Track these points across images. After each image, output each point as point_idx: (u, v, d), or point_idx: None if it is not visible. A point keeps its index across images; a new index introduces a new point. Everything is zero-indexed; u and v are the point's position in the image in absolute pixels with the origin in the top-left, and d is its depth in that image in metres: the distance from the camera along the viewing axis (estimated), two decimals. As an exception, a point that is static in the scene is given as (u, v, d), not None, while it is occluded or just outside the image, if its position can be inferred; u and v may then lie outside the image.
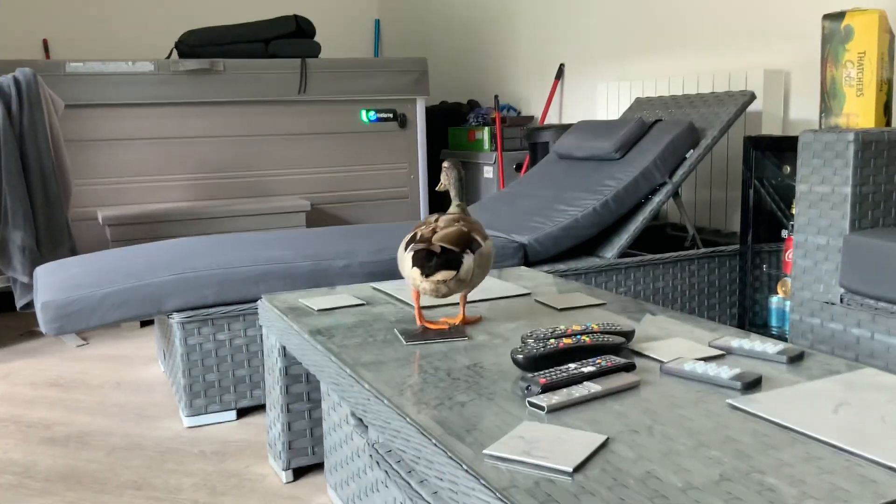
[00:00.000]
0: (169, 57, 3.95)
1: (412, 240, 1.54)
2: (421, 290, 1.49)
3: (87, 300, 2.10)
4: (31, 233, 2.97)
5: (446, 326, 1.56)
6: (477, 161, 4.18)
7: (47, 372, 2.74)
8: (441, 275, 1.47)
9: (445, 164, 1.66)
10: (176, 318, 2.13)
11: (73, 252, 3.15)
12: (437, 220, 1.57)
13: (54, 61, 3.54)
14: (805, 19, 2.81)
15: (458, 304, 1.74)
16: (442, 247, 1.48)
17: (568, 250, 2.63)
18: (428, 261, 1.47)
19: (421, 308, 1.71)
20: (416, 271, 1.48)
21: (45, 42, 5.05)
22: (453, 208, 1.62)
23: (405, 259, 1.52)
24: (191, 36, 3.87)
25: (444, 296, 1.49)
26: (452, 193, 1.65)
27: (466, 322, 1.59)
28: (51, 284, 2.19)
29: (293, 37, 4.02)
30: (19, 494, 1.83)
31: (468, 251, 1.51)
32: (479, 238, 1.54)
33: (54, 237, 3.07)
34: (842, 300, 1.95)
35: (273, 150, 3.95)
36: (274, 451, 1.91)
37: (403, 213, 4.23)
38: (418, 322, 1.58)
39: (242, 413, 2.26)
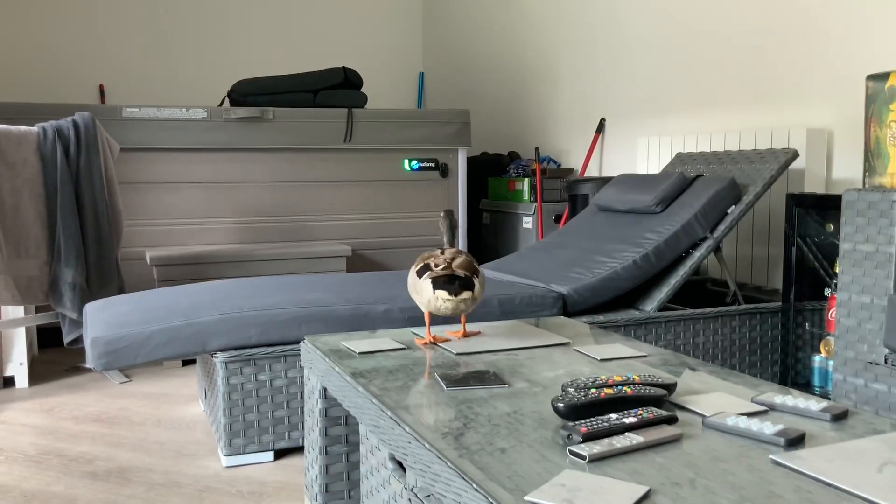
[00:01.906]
0: (221, 104, 4.08)
1: (425, 268, 1.82)
2: (443, 309, 1.78)
3: (134, 337, 2.15)
4: (82, 271, 3.06)
5: (450, 339, 1.86)
6: (516, 211, 4.22)
7: (90, 407, 2.79)
8: (464, 294, 1.77)
9: (441, 214, 1.98)
10: (220, 358, 2.17)
11: (121, 290, 3.23)
12: (443, 254, 1.86)
13: (111, 106, 3.68)
14: (848, 78, 2.82)
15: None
16: (463, 273, 1.80)
17: (607, 302, 2.64)
18: (451, 283, 1.77)
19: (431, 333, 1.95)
20: (443, 293, 1.77)
21: (101, 87, 5.25)
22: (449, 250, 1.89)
23: (425, 284, 1.80)
24: (242, 85, 4.00)
25: (462, 313, 1.80)
26: (445, 238, 1.97)
27: (467, 335, 1.90)
28: (100, 321, 2.25)
29: (341, 87, 4.14)
30: (61, 527, 1.86)
31: (476, 276, 1.82)
32: (472, 262, 1.86)
33: (104, 275, 3.15)
34: (886, 360, 1.92)
35: (317, 196, 4.03)
36: (311, 494, 1.92)
37: (442, 261, 4.26)
38: (427, 337, 1.85)
39: (280, 454, 2.28)
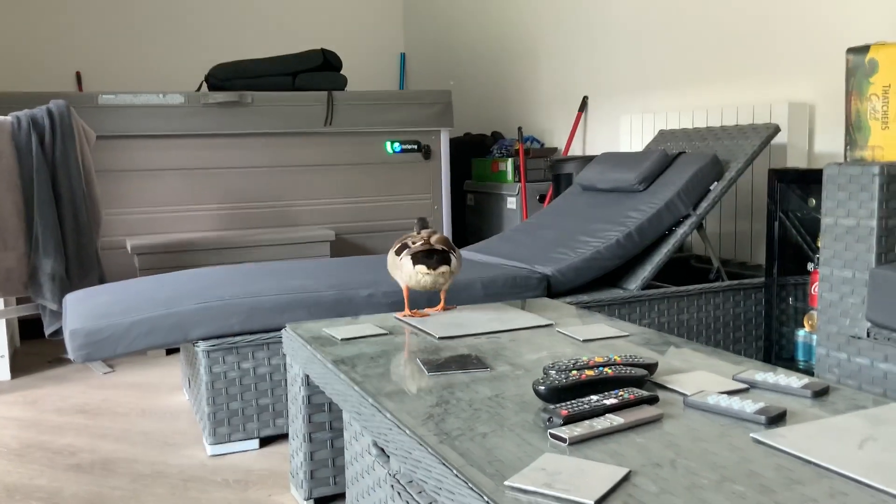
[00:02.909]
0: (199, 89, 4.03)
1: (404, 247, 1.93)
2: (423, 283, 1.90)
3: (115, 328, 2.13)
4: (61, 261, 3.02)
5: (429, 314, 1.95)
6: (500, 192, 4.20)
7: (74, 399, 2.77)
8: (442, 268, 1.90)
9: (416, 221, 2.08)
10: (202, 347, 2.15)
11: (102, 280, 3.19)
12: (419, 234, 1.98)
13: (87, 94, 3.62)
14: (829, 52, 2.81)
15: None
16: (441, 247, 1.92)
17: (591, 282, 2.63)
18: (430, 258, 1.89)
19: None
20: (422, 267, 1.88)
21: (77, 74, 5.18)
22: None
23: (405, 261, 1.90)
24: (220, 69, 3.95)
25: (440, 287, 1.92)
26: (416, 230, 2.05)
27: (446, 309, 1.99)
28: (80, 312, 2.23)
29: (320, 70, 4.09)
30: (44, 520, 1.85)
31: (453, 251, 1.95)
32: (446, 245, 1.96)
33: (84, 265, 3.12)
34: (868, 334, 1.93)
35: (299, 181, 4.00)
36: (296, 481, 1.91)
37: (427, 243, 4.25)
38: (406, 311, 1.94)
39: (265, 442, 2.27)
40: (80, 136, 3.15)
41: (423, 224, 2.05)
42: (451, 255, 1.93)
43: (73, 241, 3.09)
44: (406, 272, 1.90)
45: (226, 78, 3.93)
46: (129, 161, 3.70)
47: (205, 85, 4.09)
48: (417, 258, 1.89)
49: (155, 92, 3.72)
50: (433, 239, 1.93)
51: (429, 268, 1.88)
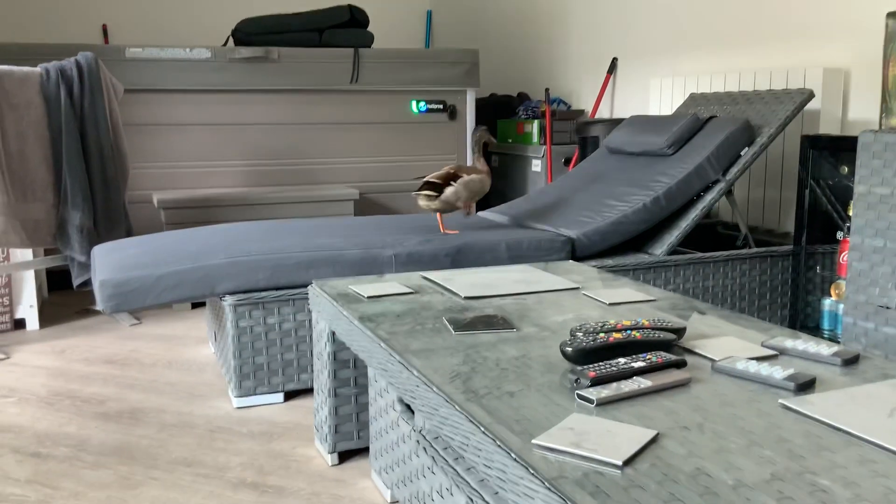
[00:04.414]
0: (225, 44, 4.01)
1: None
2: (419, 204, 2.51)
3: (143, 280, 2.15)
4: (89, 213, 3.05)
5: (457, 231, 2.56)
6: (525, 154, 4.17)
7: (101, 349, 2.82)
8: (425, 191, 2.48)
9: (474, 127, 2.74)
10: (228, 301, 2.17)
11: (129, 233, 3.22)
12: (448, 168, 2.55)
13: (114, 46, 3.62)
14: (868, 16, 2.74)
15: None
16: (429, 181, 2.49)
17: (616, 246, 2.62)
18: (420, 188, 2.49)
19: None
20: (417, 193, 2.51)
21: (104, 27, 5.17)
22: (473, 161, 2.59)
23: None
24: (247, 24, 3.93)
25: (433, 210, 2.52)
26: (474, 150, 2.59)
27: (446, 233, 2.53)
28: (108, 264, 2.25)
29: (347, 26, 4.06)
30: (74, 467, 1.89)
31: (451, 183, 2.48)
32: (464, 174, 2.51)
33: (111, 218, 3.15)
34: (898, 304, 1.91)
35: (324, 139, 3.99)
36: (320, 434, 1.94)
37: (451, 204, 4.24)
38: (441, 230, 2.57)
39: (290, 396, 2.30)
40: (108, 88, 3.15)
41: (478, 133, 2.59)
42: (445, 187, 2.46)
43: (101, 193, 3.12)
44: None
45: (252, 33, 3.90)
46: (156, 115, 3.70)
47: (231, 40, 4.07)
48: (419, 187, 2.50)
49: (182, 46, 3.71)
50: (438, 173, 2.50)
51: (414, 192, 2.52)
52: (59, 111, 3.00)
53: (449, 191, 2.47)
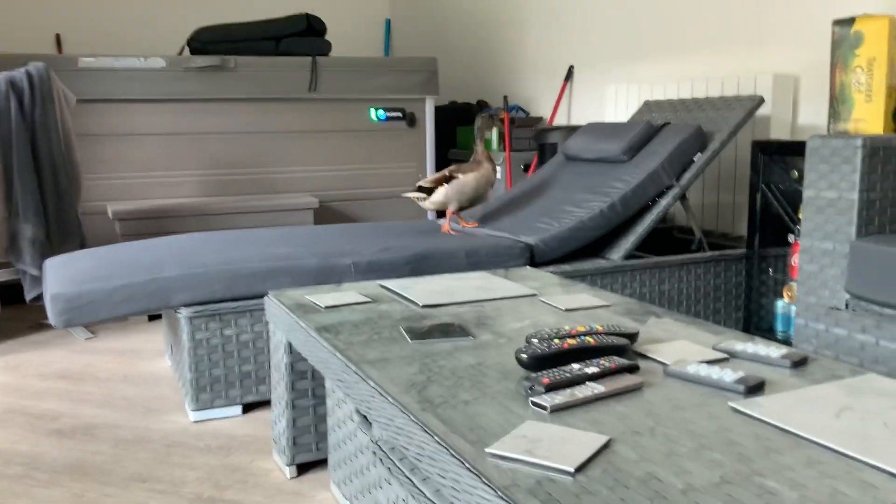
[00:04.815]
0: (181, 53, 3.97)
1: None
2: (423, 206, 2.72)
3: (96, 293, 2.11)
4: (42, 226, 2.99)
5: (475, 224, 2.80)
6: (485, 161, 4.18)
7: (56, 364, 2.76)
8: (414, 193, 2.67)
9: (478, 120, 2.81)
10: (184, 313, 2.14)
11: (83, 245, 3.17)
12: (449, 167, 2.71)
13: (66, 56, 3.56)
14: (815, 24, 2.81)
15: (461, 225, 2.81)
16: (421, 186, 2.67)
17: (574, 251, 2.64)
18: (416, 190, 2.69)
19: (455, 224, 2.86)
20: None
21: (57, 37, 5.09)
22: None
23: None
24: (203, 33, 3.89)
25: (432, 208, 2.68)
26: (475, 141, 2.76)
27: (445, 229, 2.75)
28: (60, 277, 2.21)
29: (304, 35, 4.04)
30: (25, 485, 1.85)
31: (443, 184, 2.64)
32: (460, 175, 2.65)
33: (64, 230, 3.09)
34: (847, 306, 1.95)
35: (282, 148, 3.96)
36: (278, 447, 1.92)
37: (411, 211, 4.25)
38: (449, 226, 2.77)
39: (248, 408, 2.28)
40: (60, 99, 3.10)
41: (482, 119, 2.80)
42: (437, 188, 2.64)
43: (54, 205, 3.06)
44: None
45: (208, 41, 3.87)
46: (110, 125, 3.65)
47: (187, 49, 4.03)
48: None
49: (136, 55, 3.66)
50: (433, 177, 2.68)
51: (411, 192, 2.71)
52: (10, 122, 2.94)
53: (437, 193, 2.63)
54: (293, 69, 3.89)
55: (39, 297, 3.08)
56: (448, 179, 2.64)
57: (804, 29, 2.85)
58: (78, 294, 2.11)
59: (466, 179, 2.62)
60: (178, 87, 3.70)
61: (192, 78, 3.72)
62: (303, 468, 1.89)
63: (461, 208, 2.70)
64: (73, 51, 5.08)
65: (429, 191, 2.64)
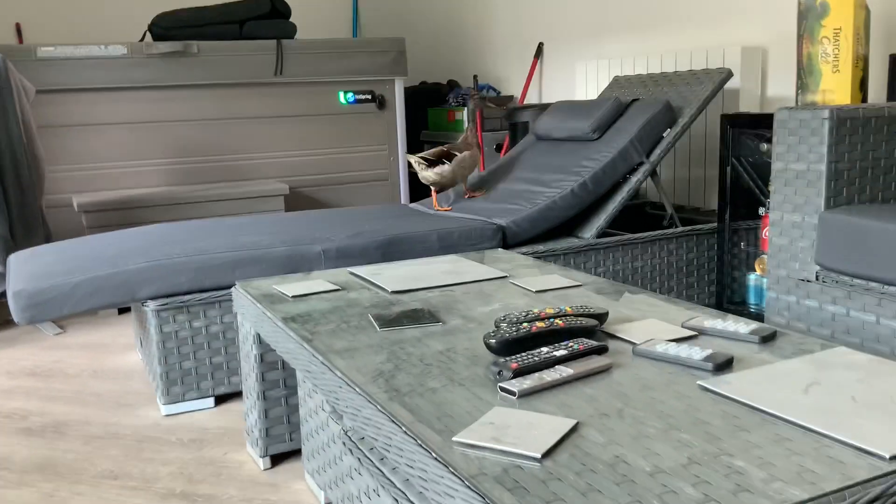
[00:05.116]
0: (142, 40, 3.89)
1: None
2: (422, 177, 2.76)
3: (59, 289, 2.07)
4: (5, 221, 2.93)
5: (483, 193, 2.85)
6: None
7: (24, 361, 2.71)
8: (420, 167, 2.72)
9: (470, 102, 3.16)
10: (150, 306, 2.11)
11: (48, 239, 3.11)
12: (444, 145, 2.78)
13: (25, 46, 3.47)
14: (782, -5, 2.79)
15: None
16: (425, 158, 2.73)
17: (548, 231, 2.62)
18: (419, 164, 2.73)
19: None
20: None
21: (17, 26, 4.97)
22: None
23: None
24: (164, 18, 3.81)
25: (433, 183, 2.74)
26: (468, 123, 2.86)
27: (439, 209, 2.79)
28: (23, 273, 2.16)
29: (268, 18, 3.97)
30: (-6, 486, 1.81)
31: (444, 161, 2.71)
32: (456, 153, 2.73)
33: (28, 225, 3.03)
34: (817, 277, 1.95)
35: (250, 133, 3.91)
36: (251, 439, 1.90)
37: (383, 195, 4.21)
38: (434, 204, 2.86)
39: (221, 400, 2.25)
40: (19, 90, 3.02)
41: (471, 103, 3.13)
42: (440, 161, 2.71)
43: (16, 199, 2.99)
44: None
45: (170, 27, 3.79)
46: (72, 115, 3.57)
47: (148, 35, 3.95)
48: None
49: (97, 43, 3.58)
50: (434, 150, 2.73)
51: (414, 159, 2.74)
52: (-34, 115, 2.86)
53: (437, 169, 2.69)
54: (258, 53, 3.83)
55: (3, 294, 3.02)
56: (447, 156, 2.71)
57: (771, 1, 2.84)
58: (40, 290, 2.06)
59: (465, 156, 2.71)
60: (140, 74, 3.63)
61: (155, 65, 3.65)
62: (276, 459, 1.87)
63: (443, 188, 2.82)
64: (36, 39, 4.96)
65: (432, 162, 2.70)
